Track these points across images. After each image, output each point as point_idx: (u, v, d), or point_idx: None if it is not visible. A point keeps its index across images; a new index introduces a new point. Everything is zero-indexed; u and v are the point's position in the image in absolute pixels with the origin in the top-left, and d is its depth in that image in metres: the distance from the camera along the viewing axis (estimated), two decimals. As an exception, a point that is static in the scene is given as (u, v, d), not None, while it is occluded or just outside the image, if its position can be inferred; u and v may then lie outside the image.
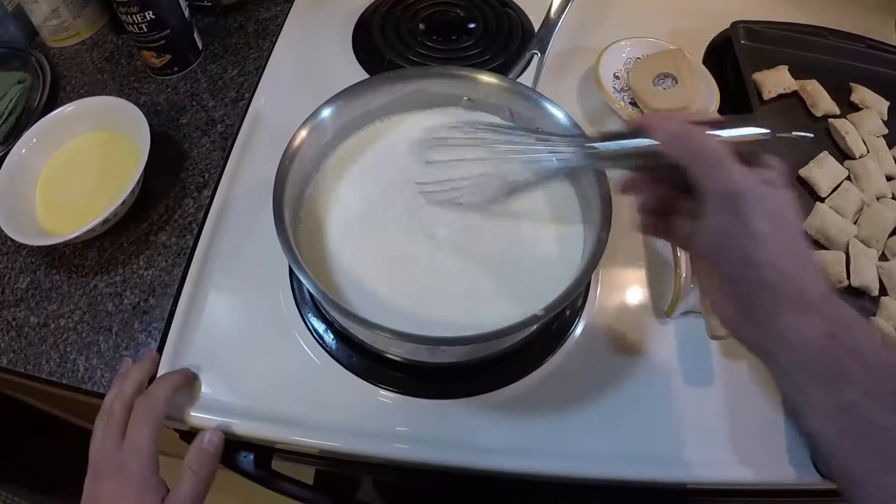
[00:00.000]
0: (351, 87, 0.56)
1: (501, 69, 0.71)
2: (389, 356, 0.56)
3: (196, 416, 0.55)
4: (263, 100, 0.73)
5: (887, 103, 0.72)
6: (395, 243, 0.54)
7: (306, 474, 0.67)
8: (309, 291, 0.52)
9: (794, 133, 0.41)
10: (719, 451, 0.54)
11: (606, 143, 0.43)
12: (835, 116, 0.70)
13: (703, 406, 0.56)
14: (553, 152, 0.48)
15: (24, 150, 0.66)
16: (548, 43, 0.62)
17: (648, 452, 0.54)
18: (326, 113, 0.55)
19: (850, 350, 0.33)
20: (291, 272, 0.61)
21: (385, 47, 0.74)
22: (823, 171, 0.65)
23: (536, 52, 0.62)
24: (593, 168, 0.49)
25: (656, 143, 0.39)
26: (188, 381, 0.54)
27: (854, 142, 0.67)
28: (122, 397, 0.51)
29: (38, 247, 0.64)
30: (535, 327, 0.54)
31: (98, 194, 0.65)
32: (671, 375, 0.57)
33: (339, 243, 0.54)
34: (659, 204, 0.43)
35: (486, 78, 0.55)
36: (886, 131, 0.70)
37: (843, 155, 0.68)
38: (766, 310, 0.35)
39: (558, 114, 0.54)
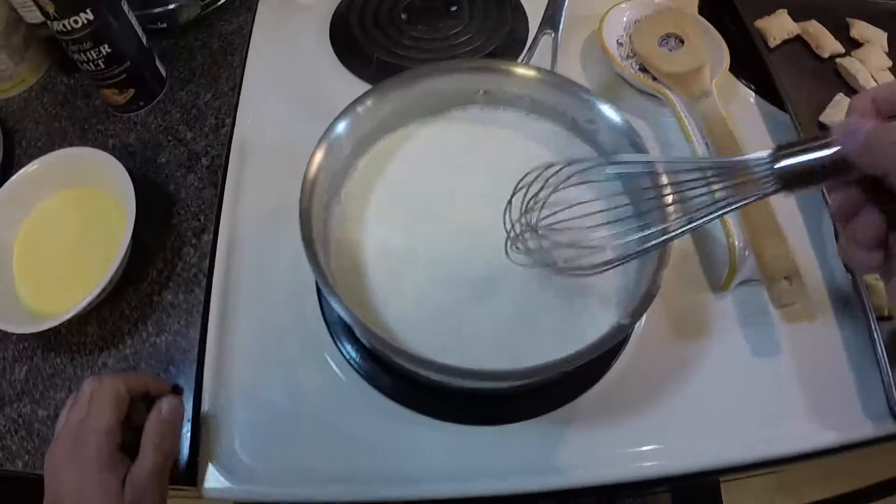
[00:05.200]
0: (360, 97, 0.47)
1: (501, 53, 0.62)
2: (438, 383, 0.48)
3: (260, 489, 0.47)
4: (248, 122, 0.62)
5: (885, 34, 0.67)
6: (438, 267, 0.46)
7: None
8: (344, 321, 0.43)
9: None
10: (799, 421, 0.49)
11: (794, 160, 0.30)
12: (840, 55, 0.65)
13: (775, 377, 0.50)
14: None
15: (-11, 223, 0.54)
16: (559, 20, 0.53)
17: (732, 436, 0.48)
18: (341, 128, 0.46)
19: None
20: (321, 303, 0.52)
21: (370, 45, 0.64)
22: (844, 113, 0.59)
23: (549, 31, 0.53)
24: (763, 195, 0.32)
25: (840, 151, 0.28)
26: (163, 390, 0.46)
27: (865, 80, 0.62)
28: (97, 378, 0.44)
29: (29, 332, 0.53)
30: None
31: (84, 260, 0.54)
32: (739, 351, 0.51)
33: (376, 274, 0.46)
34: (878, 231, 0.30)
35: (521, 71, 0.47)
36: (890, 63, 0.64)
37: (854, 94, 0.63)
38: None
39: (602, 105, 0.47)
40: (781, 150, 0.30)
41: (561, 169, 0.38)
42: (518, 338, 0.44)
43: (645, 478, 0.48)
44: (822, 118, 0.60)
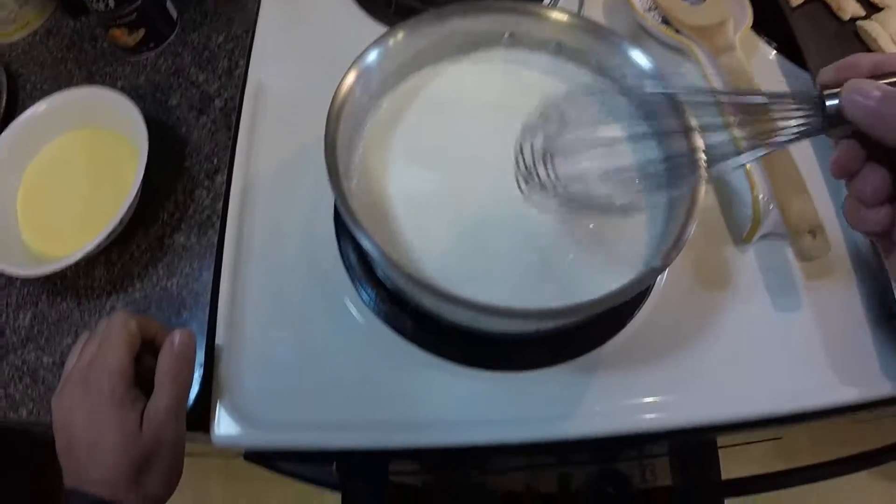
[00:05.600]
0: (391, 30, 0.45)
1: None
2: (461, 326, 0.46)
3: (272, 437, 0.45)
4: (262, 64, 0.59)
5: (905, -2, 0.66)
6: (468, 209, 0.44)
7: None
8: (364, 263, 0.42)
9: None
10: (819, 376, 0.48)
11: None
12: (861, 18, 0.64)
13: (796, 331, 0.50)
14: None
15: (-7, 165, 0.51)
16: (587, -36, 0.52)
17: (751, 389, 0.47)
18: (372, 58, 0.43)
19: None
20: (340, 245, 0.50)
21: (388, -15, 0.62)
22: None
23: (577, -26, 0.52)
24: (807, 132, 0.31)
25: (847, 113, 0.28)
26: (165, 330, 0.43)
27: (886, 44, 0.61)
28: (105, 319, 0.42)
29: (34, 275, 0.51)
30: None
31: (92, 202, 0.52)
32: (759, 304, 0.50)
33: (398, 212, 0.44)
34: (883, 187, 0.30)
35: (552, 14, 0.46)
36: (910, 28, 0.64)
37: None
38: None
39: (633, 51, 0.45)
40: (828, 90, 0.29)
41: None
42: (545, 280, 0.43)
43: (664, 429, 0.47)
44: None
